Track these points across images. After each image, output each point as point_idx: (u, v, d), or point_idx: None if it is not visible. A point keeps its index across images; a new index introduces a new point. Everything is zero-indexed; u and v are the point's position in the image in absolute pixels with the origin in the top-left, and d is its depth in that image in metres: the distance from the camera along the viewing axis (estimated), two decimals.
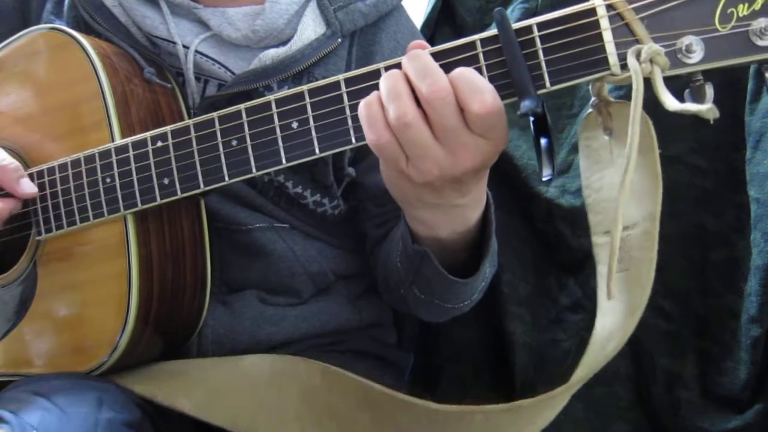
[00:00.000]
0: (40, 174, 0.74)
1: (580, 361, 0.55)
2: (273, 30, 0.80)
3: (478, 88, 0.54)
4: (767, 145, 0.87)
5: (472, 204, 0.65)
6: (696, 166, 0.95)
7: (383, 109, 0.56)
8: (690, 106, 0.50)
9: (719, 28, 0.50)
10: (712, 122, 0.50)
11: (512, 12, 1.06)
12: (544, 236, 1.03)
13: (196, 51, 0.80)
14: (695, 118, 0.94)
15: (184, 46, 0.80)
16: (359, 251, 0.92)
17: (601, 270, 0.56)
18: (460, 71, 0.54)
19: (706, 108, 0.50)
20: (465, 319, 1.06)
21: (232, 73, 0.80)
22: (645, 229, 0.54)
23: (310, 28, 0.80)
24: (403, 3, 0.91)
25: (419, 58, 0.55)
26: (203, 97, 0.80)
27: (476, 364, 1.07)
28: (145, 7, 0.81)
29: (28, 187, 0.73)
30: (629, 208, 0.54)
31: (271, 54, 0.78)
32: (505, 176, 1.04)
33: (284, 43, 0.80)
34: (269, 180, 0.81)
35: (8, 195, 0.73)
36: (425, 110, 0.55)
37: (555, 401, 0.57)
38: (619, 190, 0.51)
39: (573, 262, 1.01)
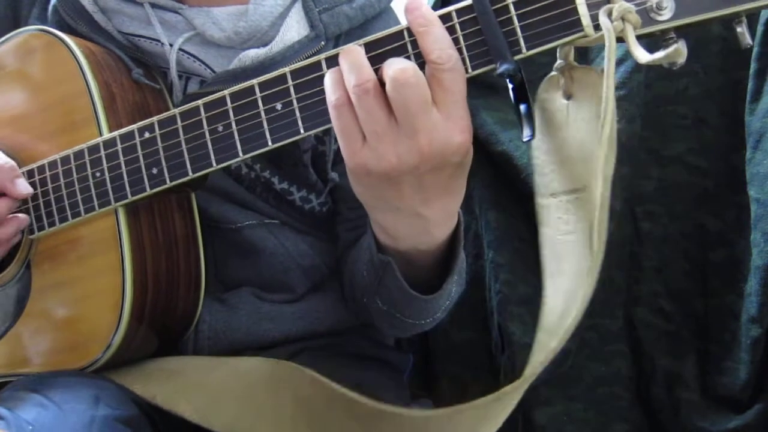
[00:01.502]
0: (30, 173, 0.74)
1: (538, 326, 0.57)
2: (256, 32, 0.79)
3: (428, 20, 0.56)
4: (767, 145, 0.87)
5: (439, 220, 0.63)
6: (696, 166, 0.95)
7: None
8: (659, 54, 0.51)
9: None
10: (677, 67, 0.52)
11: None
12: None
13: (179, 48, 0.80)
14: (696, 118, 0.95)
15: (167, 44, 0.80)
16: None
17: (545, 232, 0.57)
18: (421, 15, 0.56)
19: (673, 49, 0.51)
20: (464, 320, 1.07)
21: (213, 71, 0.80)
22: (593, 190, 0.54)
23: (293, 30, 0.80)
24: (398, 2, 0.90)
25: (353, 51, 0.57)
26: (185, 95, 0.80)
27: (475, 364, 1.07)
28: (127, 6, 0.81)
29: (23, 187, 0.72)
30: (577, 169, 0.56)
31: (251, 55, 0.78)
32: (505, 176, 1.04)
33: (268, 44, 0.79)
34: (256, 176, 0.81)
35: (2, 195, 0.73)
36: (389, 94, 0.55)
37: (528, 381, 0.57)
38: (598, 146, 0.52)
39: None
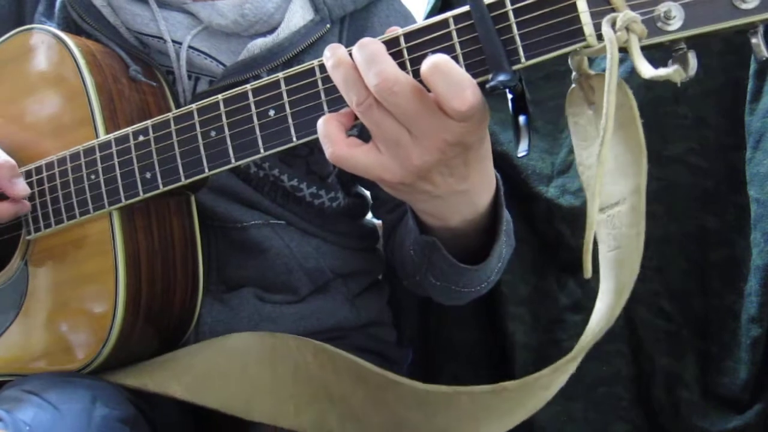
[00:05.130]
0: (28, 173, 0.74)
1: (577, 342, 0.55)
2: (262, 14, 0.80)
3: (456, 83, 0.51)
4: (767, 145, 0.87)
5: (478, 189, 0.62)
6: (696, 166, 0.95)
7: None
8: (661, 71, 0.48)
9: None
10: (679, 84, 0.49)
11: None
12: (544, 236, 1.03)
13: (189, 46, 0.80)
14: (696, 118, 0.95)
15: (175, 42, 0.80)
16: (358, 249, 0.92)
17: (601, 248, 0.55)
18: (435, 64, 0.51)
19: (672, 69, 0.48)
20: (464, 320, 1.07)
21: (224, 66, 0.80)
22: (632, 204, 0.52)
23: (298, 15, 0.80)
24: (402, 1, 0.91)
25: (366, 47, 0.54)
26: (194, 95, 0.80)
27: (476, 364, 1.07)
28: (133, 4, 0.81)
29: (21, 188, 0.72)
30: (617, 183, 0.53)
31: (259, 43, 0.78)
32: (505, 176, 1.04)
33: (275, 30, 0.80)
34: (264, 175, 0.81)
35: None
36: (377, 100, 0.54)
37: (541, 382, 0.56)
38: (596, 164, 0.50)
39: (573, 262, 1.01)
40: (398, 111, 0.53)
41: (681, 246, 0.95)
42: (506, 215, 0.70)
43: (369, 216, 0.97)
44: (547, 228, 1.02)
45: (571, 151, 1.02)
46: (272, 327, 0.82)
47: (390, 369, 0.91)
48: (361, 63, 0.53)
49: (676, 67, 0.48)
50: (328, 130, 0.56)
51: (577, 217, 0.99)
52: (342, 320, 0.87)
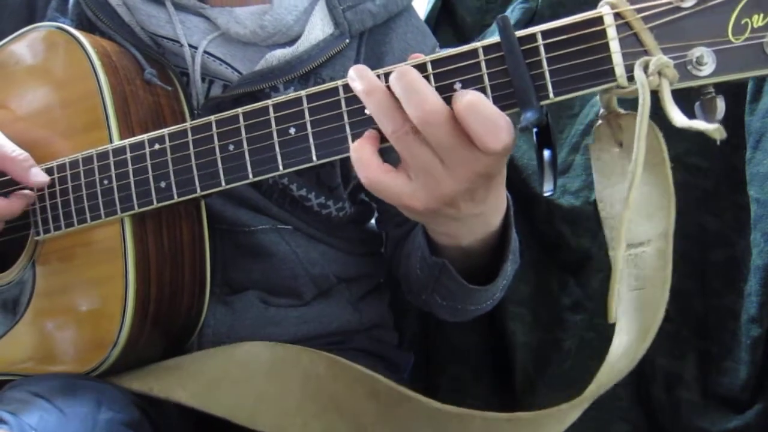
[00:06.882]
0: None
1: (594, 378, 0.54)
2: (282, 26, 0.79)
3: (493, 124, 0.51)
4: (767, 145, 0.87)
5: (492, 210, 0.63)
6: (696, 166, 0.95)
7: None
8: (698, 124, 0.47)
9: (732, 40, 0.48)
10: (719, 143, 0.48)
11: (512, 12, 1.06)
12: (545, 236, 1.03)
13: (204, 51, 0.79)
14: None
15: (190, 46, 0.79)
16: (362, 254, 0.92)
17: (619, 288, 0.54)
18: (472, 102, 0.52)
19: (713, 128, 0.47)
20: (465, 321, 1.07)
21: (239, 73, 0.79)
22: (658, 247, 0.52)
23: (318, 28, 0.80)
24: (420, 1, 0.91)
25: (405, 76, 0.54)
26: (207, 98, 0.80)
27: (476, 364, 1.07)
28: (150, 6, 0.80)
29: (39, 177, 0.71)
30: (642, 224, 0.52)
31: (278, 54, 0.78)
32: (505, 177, 1.04)
33: (293, 42, 0.79)
34: (273, 182, 0.80)
35: (9, 194, 0.73)
36: (416, 129, 0.54)
37: (559, 416, 0.56)
38: (623, 207, 0.49)
39: (573, 262, 1.01)
40: (435, 141, 0.53)
41: (681, 246, 0.95)
42: (514, 236, 0.71)
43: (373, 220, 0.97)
44: (548, 228, 1.02)
45: (571, 151, 1.02)
46: (275, 330, 0.82)
47: (392, 372, 0.92)
48: (401, 92, 0.53)
49: (717, 126, 0.47)
50: (362, 154, 0.56)
51: (577, 217, 0.99)
52: (345, 324, 0.87)
